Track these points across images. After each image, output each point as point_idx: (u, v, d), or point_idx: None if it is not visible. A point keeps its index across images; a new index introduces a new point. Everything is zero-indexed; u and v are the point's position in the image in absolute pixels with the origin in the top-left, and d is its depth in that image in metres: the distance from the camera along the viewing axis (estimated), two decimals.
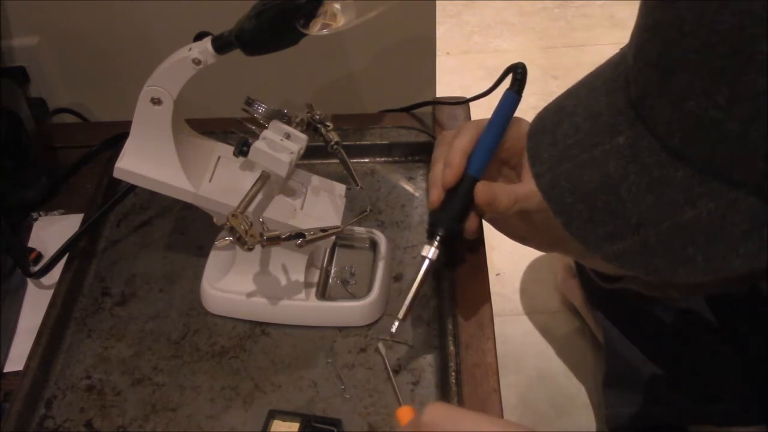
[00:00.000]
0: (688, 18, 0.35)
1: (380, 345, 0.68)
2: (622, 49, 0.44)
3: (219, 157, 0.70)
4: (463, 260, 0.72)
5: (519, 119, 0.68)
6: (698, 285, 0.80)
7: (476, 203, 0.64)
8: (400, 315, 0.63)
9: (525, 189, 0.64)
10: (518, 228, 0.68)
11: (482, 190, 0.64)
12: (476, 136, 0.67)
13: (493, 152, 0.66)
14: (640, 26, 0.40)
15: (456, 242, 0.69)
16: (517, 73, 0.68)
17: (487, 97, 0.81)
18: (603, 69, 0.45)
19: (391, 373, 0.66)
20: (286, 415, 0.62)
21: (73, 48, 0.93)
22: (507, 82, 0.73)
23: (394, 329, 0.64)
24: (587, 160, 0.41)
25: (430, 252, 0.64)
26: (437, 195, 0.65)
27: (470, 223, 0.67)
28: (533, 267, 1.54)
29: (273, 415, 0.62)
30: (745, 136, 0.35)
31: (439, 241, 0.64)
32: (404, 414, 0.57)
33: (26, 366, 0.67)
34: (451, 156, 0.65)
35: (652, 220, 0.39)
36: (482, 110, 0.88)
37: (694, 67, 0.36)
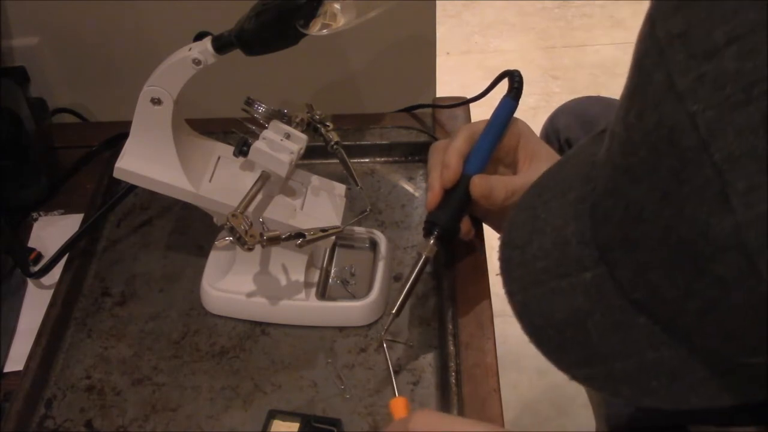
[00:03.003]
0: (647, 206, 0.35)
1: (384, 343, 0.67)
2: (595, 154, 0.42)
3: (219, 157, 0.70)
4: (463, 260, 0.72)
5: (515, 119, 0.70)
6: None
7: (473, 196, 0.65)
8: (394, 310, 0.64)
9: (521, 181, 0.66)
10: None
11: (478, 183, 0.65)
12: (470, 138, 0.68)
13: (490, 155, 0.68)
14: (608, 166, 0.38)
15: (455, 243, 0.69)
16: (515, 81, 0.71)
17: (485, 97, 0.81)
18: (574, 174, 0.44)
19: (390, 365, 0.66)
20: (286, 415, 0.62)
21: (73, 48, 0.93)
22: (505, 85, 0.73)
23: (387, 325, 0.65)
24: (556, 289, 0.42)
25: (426, 248, 0.65)
26: (435, 196, 0.66)
27: (464, 224, 0.68)
28: None
29: (273, 415, 0.62)
30: (701, 321, 0.35)
31: (436, 238, 0.65)
32: (397, 405, 0.57)
33: (26, 366, 0.67)
34: (448, 157, 0.66)
35: (617, 355, 0.40)
36: (481, 110, 0.88)
37: (653, 251, 0.35)
